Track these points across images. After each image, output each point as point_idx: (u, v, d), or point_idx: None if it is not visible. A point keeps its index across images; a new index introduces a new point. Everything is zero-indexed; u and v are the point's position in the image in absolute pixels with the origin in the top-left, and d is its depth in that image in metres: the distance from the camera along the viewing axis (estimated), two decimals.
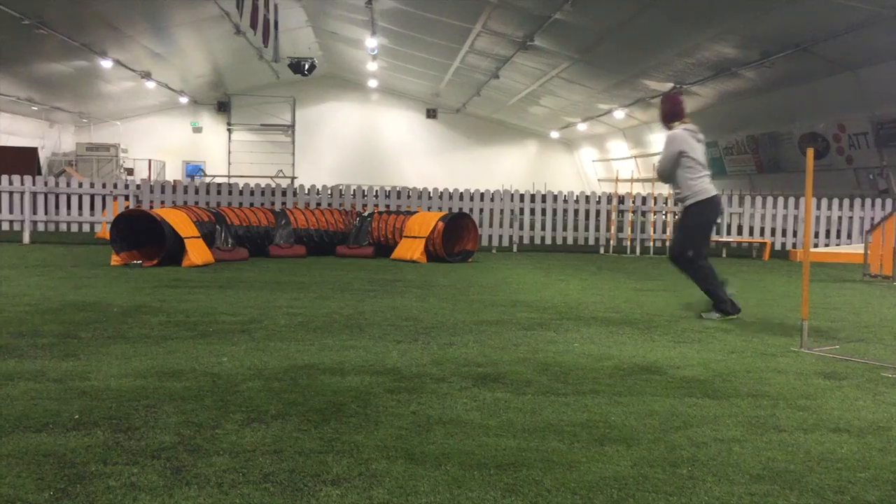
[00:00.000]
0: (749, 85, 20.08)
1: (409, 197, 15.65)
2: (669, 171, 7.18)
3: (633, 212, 15.85)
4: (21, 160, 23.57)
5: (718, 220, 7.28)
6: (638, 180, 26.91)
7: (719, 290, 7.05)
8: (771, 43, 16.71)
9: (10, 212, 14.56)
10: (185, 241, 10.73)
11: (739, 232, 16.06)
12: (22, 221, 14.50)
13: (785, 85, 19.05)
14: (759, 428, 3.76)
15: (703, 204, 7.10)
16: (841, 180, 18.93)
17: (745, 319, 7.09)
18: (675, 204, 6.95)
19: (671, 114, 7.33)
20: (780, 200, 15.80)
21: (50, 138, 32.46)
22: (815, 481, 3.08)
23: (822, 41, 15.66)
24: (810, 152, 5.96)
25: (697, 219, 7.17)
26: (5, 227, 14.67)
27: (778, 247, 15.71)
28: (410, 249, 12.39)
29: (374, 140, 38.99)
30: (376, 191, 15.76)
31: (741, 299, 8.46)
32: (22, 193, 14.52)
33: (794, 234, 15.74)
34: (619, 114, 27.65)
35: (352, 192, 15.64)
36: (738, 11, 15.58)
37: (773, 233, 15.83)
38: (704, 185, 7.12)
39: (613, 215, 15.74)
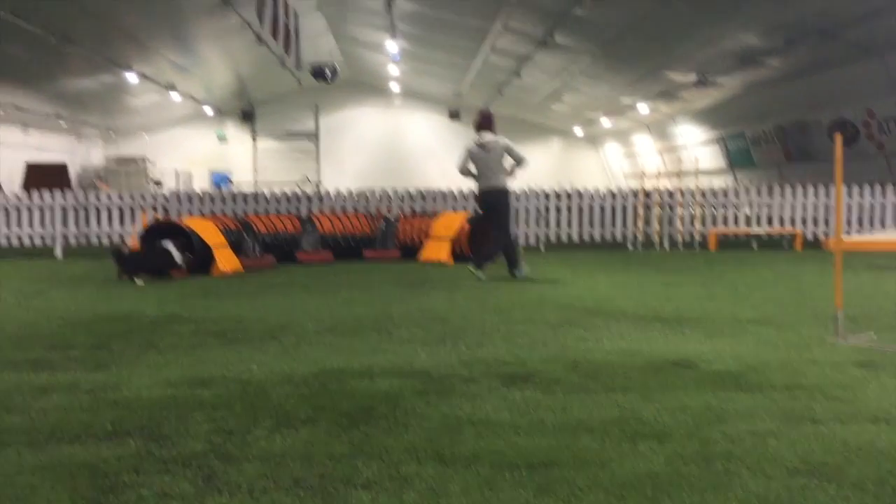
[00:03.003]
0: (774, 74, 19.80)
1: (434, 199, 15.64)
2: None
3: (661, 206, 15.71)
4: (52, 175, 23.90)
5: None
6: (664, 174, 26.71)
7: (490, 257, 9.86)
8: (795, 30, 16.46)
9: (42, 226, 14.77)
10: (214, 249, 10.82)
11: (770, 223, 15.85)
12: (53, 236, 14.70)
13: (811, 72, 18.76)
14: (795, 420, 3.69)
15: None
16: (872, 167, 18.59)
17: (777, 311, 6.99)
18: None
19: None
20: (811, 189, 15.57)
21: (79, 153, 32.89)
22: (855, 473, 3.02)
23: (848, 26, 15.40)
24: (839, 139, 5.86)
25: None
26: (38, 241, 14.89)
27: (810, 236, 15.48)
28: (437, 251, 12.38)
29: (397, 143, 39.04)
30: (401, 194, 15.77)
31: (773, 290, 8.36)
32: (53, 208, 14.73)
33: (826, 224, 15.50)
34: (643, 108, 27.41)
35: (377, 196, 15.67)
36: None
37: (804, 222, 15.60)
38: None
39: (640, 210, 15.61)
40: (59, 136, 30.81)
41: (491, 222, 10.14)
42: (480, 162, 10.03)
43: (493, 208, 10.07)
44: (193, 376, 4.64)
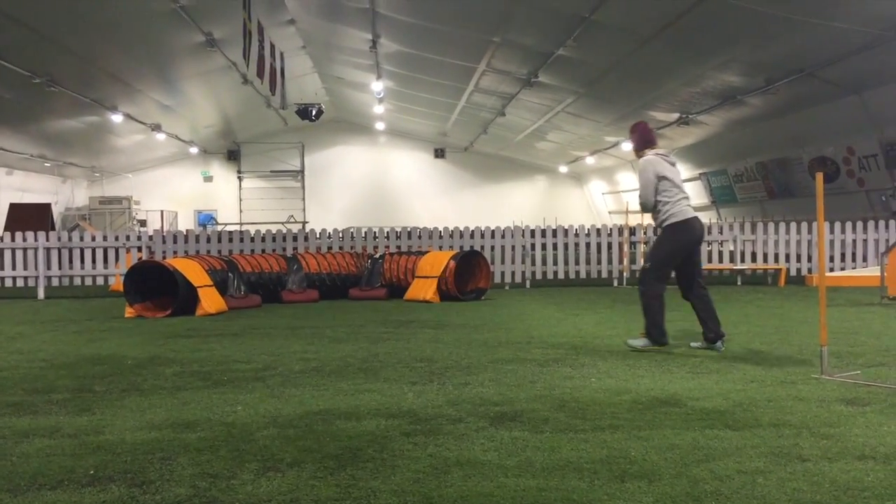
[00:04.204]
0: (755, 112, 20.12)
1: (420, 237, 15.67)
2: (651, 196, 6.97)
3: (646, 243, 15.80)
4: (35, 216, 23.79)
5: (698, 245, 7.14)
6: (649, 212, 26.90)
7: (658, 318, 6.91)
8: (775, 69, 16.76)
9: (25, 268, 14.66)
10: (198, 290, 10.76)
11: (754, 259, 15.96)
12: (36, 277, 14.58)
13: (791, 110, 19.07)
14: (783, 458, 3.69)
15: (678, 226, 6.92)
16: (853, 203, 18.83)
17: (763, 347, 7.01)
18: (654, 231, 6.86)
19: (642, 142, 7.27)
20: (793, 226, 15.72)
21: (63, 193, 32.82)
22: None
23: (826, 65, 15.70)
24: (819, 176, 5.94)
25: (670, 241, 6.98)
26: (20, 283, 14.76)
27: (793, 272, 15.59)
28: (423, 289, 12.37)
29: (383, 182, 39.22)
30: (387, 232, 15.79)
31: (758, 326, 8.38)
32: (36, 249, 14.63)
33: (809, 259, 15.62)
34: (627, 146, 27.68)
35: (363, 235, 15.68)
36: (740, 40, 15.66)
37: (787, 258, 15.72)
38: (681, 207, 6.96)
39: (626, 247, 15.69)
40: (43, 176, 30.76)
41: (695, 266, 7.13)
42: (676, 179, 7.15)
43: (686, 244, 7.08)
44: (178, 419, 4.59)
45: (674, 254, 6.98)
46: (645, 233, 15.81)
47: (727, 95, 19.30)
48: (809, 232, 15.62)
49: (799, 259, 15.69)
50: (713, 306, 7.03)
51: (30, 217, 23.46)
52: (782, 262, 15.64)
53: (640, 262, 15.65)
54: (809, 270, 15.52)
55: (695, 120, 22.13)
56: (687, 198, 7.10)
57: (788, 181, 21.87)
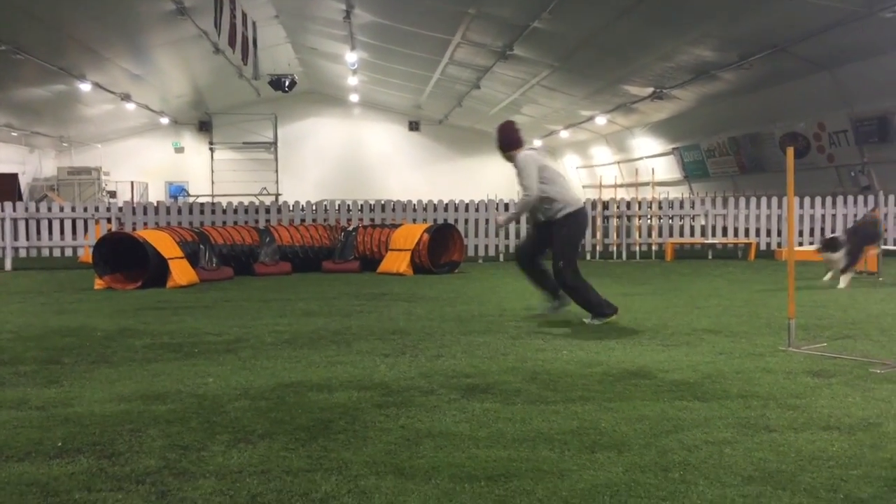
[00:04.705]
0: (729, 87, 20.19)
1: (393, 210, 15.61)
2: (535, 186, 6.97)
3: (618, 217, 15.88)
4: (2, 187, 23.39)
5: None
6: (622, 185, 27.01)
7: (591, 296, 7.00)
8: (749, 44, 16.81)
9: None
10: (169, 261, 10.66)
11: (724, 233, 16.11)
12: (3, 248, 14.35)
13: (764, 86, 19.16)
14: (750, 429, 3.74)
15: (577, 214, 7.06)
16: (823, 178, 19.03)
17: (732, 320, 7.09)
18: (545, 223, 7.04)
19: (509, 141, 7.24)
20: (764, 201, 15.87)
21: (31, 164, 32.21)
22: (808, 480, 3.07)
23: (799, 41, 15.76)
24: (790, 151, 5.98)
25: (571, 229, 7.09)
26: None
27: (763, 247, 15.77)
28: (396, 262, 12.35)
29: (357, 154, 38.96)
30: (361, 205, 15.71)
31: (727, 300, 8.49)
32: (3, 220, 14.39)
33: (779, 234, 15.80)
34: (601, 120, 27.74)
35: (336, 207, 15.60)
36: (714, 14, 15.67)
37: (757, 233, 15.89)
38: (575, 196, 7.14)
39: (598, 221, 15.76)
40: (9, 146, 30.14)
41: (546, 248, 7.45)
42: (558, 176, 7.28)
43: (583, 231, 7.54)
44: (148, 391, 4.56)
45: (576, 240, 7.22)
46: (618, 207, 15.88)
47: (701, 70, 19.34)
48: (780, 207, 15.79)
49: (769, 234, 15.88)
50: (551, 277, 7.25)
51: None
52: (752, 237, 15.81)
53: (613, 236, 15.77)
54: (779, 245, 15.71)
55: (668, 94, 22.16)
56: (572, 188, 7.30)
57: (760, 156, 22.03)
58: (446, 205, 15.69)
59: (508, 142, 7.23)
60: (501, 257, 15.54)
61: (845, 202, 15.67)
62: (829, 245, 10.03)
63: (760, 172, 22.29)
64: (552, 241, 7.17)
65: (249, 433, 3.71)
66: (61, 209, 15.17)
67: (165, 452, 3.45)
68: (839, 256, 9.83)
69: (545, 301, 7.41)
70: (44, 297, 9.49)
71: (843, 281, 9.76)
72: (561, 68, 22.45)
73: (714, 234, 15.97)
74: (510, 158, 7.21)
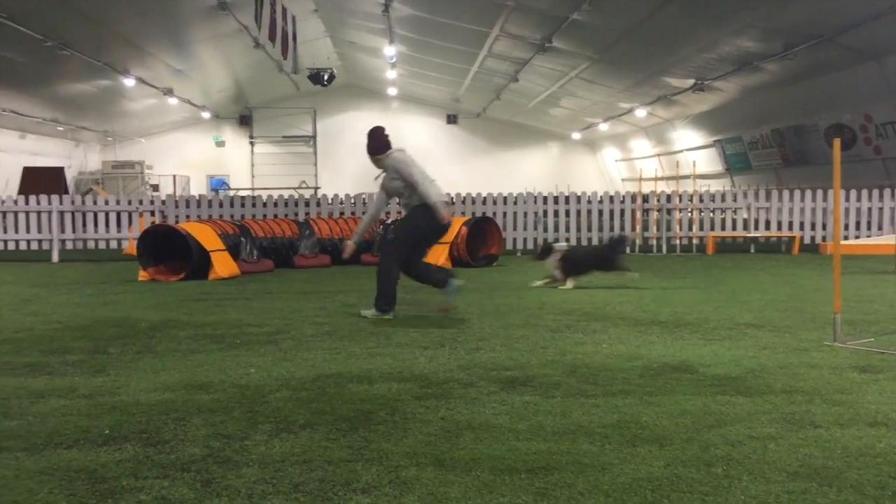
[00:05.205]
0: (772, 78, 19.87)
1: None
2: (423, 176, 7.20)
3: (658, 210, 15.73)
4: (49, 180, 23.87)
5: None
6: (662, 178, 26.74)
7: (388, 290, 7.11)
8: (793, 35, 16.51)
9: (39, 231, 14.74)
10: (211, 254, 10.80)
11: (768, 227, 15.86)
12: (51, 240, 14.67)
13: (809, 76, 18.82)
14: (795, 424, 3.69)
15: (428, 207, 7.13)
16: (870, 171, 18.64)
17: (775, 315, 6.99)
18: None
19: (381, 146, 7.44)
20: (808, 193, 15.59)
21: (76, 157, 32.88)
22: (854, 477, 3.02)
23: (845, 31, 15.45)
24: (837, 143, 5.86)
25: (418, 221, 7.23)
26: (34, 246, 14.85)
27: (808, 240, 15.49)
28: (435, 255, 12.36)
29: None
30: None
31: (771, 294, 8.36)
32: (50, 213, 14.70)
33: (824, 227, 15.52)
34: (641, 112, 27.49)
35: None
36: (758, 4, 15.42)
37: (801, 227, 15.61)
38: (437, 191, 7.26)
39: (638, 214, 15.63)
40: (56, 140, 30.80)
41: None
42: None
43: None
44: (191, 380, 4.63)
45: (419, 233, 7.30)
46: (658, 200, 15.73)
47: (744, 61, 19.05)
48: (825, 200, 15.50)
49: (813, 227, 15.59)
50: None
51: (44, 181, 23.54)
52: (796, 230, 15.55)
53: (654, 229, 15.62)
54: (824, 238, 15.42)
55: (710, 86, 21.88)
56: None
57: (804, 148, 21.65)
58: (484, 198, 15.67)
59: (380, 145, 7.47)
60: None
61: (892, 195, 15.32)
62: (545, 252, 9.73)
63: (805, 165, 21.91)
64: (402, 223, 7.56)
65: (291, 423, 3.75)
66: (106, 202, 15.45)
67: (209, 441, 3.50)
68: (552, 264, 9.48)
69: (442, 294, 7.33)
70: (90, 289, 9.68)
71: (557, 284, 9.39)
72: (600, 60, 22.27)
73: (756, 228, 15.73)
74: (380, 161, 7.46)
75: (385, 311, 7.09)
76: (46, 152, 29.74)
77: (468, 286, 9.55)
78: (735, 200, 16.00)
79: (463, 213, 15.25)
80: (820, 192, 15.57)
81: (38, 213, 14.77)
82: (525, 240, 15.60)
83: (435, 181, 7.33)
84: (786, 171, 23.27)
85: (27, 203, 14.83)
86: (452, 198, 15.62)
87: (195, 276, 10.62)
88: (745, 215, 15.81)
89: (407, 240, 7.28)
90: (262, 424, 3.74)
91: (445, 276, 7.30)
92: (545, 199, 15.92)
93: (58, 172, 25.71)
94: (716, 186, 21.85)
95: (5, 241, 14.81)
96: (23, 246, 14.85)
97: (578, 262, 9.58)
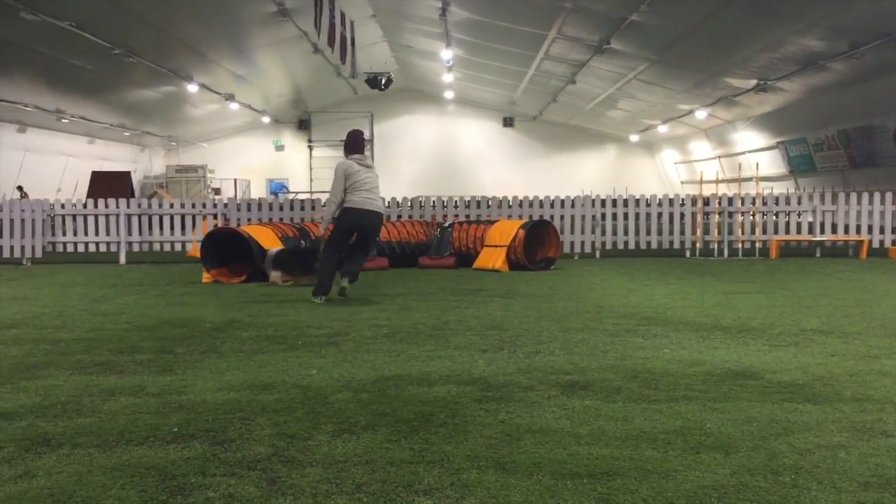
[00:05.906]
0: (838, 77, 19.35)
1: (488, 206, 15.63)
2: (339, 193, 8.51)
3: (720, 213, 15.45)
4: (116, 184, 24.57)
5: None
6: (723, 181, 26.27)
7: (325, 280, 8.46)
8: (860, 33, 16.06)
9: (108, 234, 15.17)
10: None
11: (834, 230, 15.45)
12: (118, 243, 15.08)
13: (877, 76, 18.28)
14: (866, 433, 3.59)
15: (349, 210, 8.48)
16: None
17: (843, 321, 6.80)
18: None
19: (347, 148, 8.75)
20: (877, 196, 15.14)
21: (142, 162, 33.79)
22: None
23: None
24: None
25: (341, 220, 8.56)
26: (103, 248, 15.29)
27: (876, 244, 15.04)
28: (492, 258, 12.36)
29: (451, 151, 39.20)
30: (456, 201, 15.79)
31: (839, 300, 8.16)
32: (117, 216, 15.12)
33: (893, 231, 15.05)
34: (701, 114, 27.04)
35: (431, 204, 15.72)
36: (823, 2, 15.05)
37: (869, 230, 15.17)
38: (359, 198, 8.50)
39: (699, 217, 15.37)
40: (122, 145, 31.69)
41: (367, 243, 9.01)
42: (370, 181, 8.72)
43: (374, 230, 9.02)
44: (255, 381, 4.72)
45: (343, 230, 8.62)
46: (719, 203, 15.46)
47: (808, 61, 18.60)
48: (894, 203, 15.03)
49: (882, 231, 15.14)
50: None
51: (111, 184, 24.22)
52: (864, 234, 15.11)
53: (715, 233, 15.35)
54: (893, 243, 14.96)
55: (773, 87, 21.41)
56: (370, 192, 8.62)
57: (872, 150, 21.03)
58: (541, 201, 15.60)
59: (345, 148, 8.78)
60: (598, 254, 15.36)
61: None
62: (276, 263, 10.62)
63: (872, 167, 21.29)
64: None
65: (353, 424, 3.80)
66: (171, 206, 15.83)
67: (274, 440, 3.56)
68: (276, 275, 10.51)
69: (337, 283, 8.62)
70: (156, 290, 9.92)
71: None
72: (659, 61, 21.99)
73: (822, 232, 15.33)
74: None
75: (317, 294, 8.43)
76: (113, 157, 30.62)
77: (526, 290, 9.53)
78: (800, 203, 15.63)
79: (520, 217, 15.21)
80: (889, 195, 15.11)
81: (107, 216, 15.20)
82: (583, 243, 15.49)
83: (370, 190, 8.58)
84: (852, 173, 22.64)
85: (96, 207, 15.28)
86: (509, 201, 15.61)
87: (256, 278, 10.80)
88: (811, 218, 15.42)
89: (334, 234, 8.66)
90: (325, 425, 3.79)
91: (328, 285, 8.47)
92: (603, 201, 15.77)
93: (124, 177, 26.43)
94: (779, 189, 21.35)
95: (75, 244, 15.27)
96: (91, 248, 15.30)
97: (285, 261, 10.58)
